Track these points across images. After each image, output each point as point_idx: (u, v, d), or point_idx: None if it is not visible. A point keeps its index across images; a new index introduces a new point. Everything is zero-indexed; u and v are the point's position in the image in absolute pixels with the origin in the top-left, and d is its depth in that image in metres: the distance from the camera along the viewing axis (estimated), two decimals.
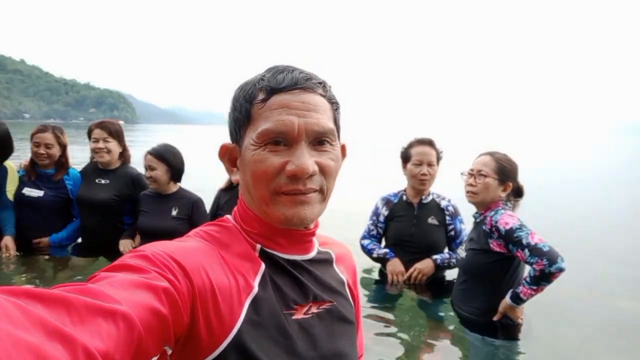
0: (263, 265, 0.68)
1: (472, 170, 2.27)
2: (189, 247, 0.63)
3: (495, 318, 2.15)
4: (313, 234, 0.75)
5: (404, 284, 2.73)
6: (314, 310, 0.70)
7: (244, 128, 0.68)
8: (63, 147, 3.01)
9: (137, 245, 2.83)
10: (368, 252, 2.87)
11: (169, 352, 0.56)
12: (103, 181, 2.95)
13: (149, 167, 2.68)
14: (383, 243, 2.96)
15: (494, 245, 2.15)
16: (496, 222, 2.12)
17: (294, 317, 0.67)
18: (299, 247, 0.73)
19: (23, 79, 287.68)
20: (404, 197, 2.86)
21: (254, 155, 0.65)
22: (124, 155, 3.06)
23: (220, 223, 0.73)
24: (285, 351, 0.64)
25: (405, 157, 2.80)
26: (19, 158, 3.51)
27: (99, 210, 2.92)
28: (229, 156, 0.73)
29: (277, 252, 0.70)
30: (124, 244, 2.85)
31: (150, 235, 2.64)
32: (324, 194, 0.68)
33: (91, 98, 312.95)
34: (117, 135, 2.95)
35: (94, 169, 3.02)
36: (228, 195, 2.76)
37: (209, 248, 0.65)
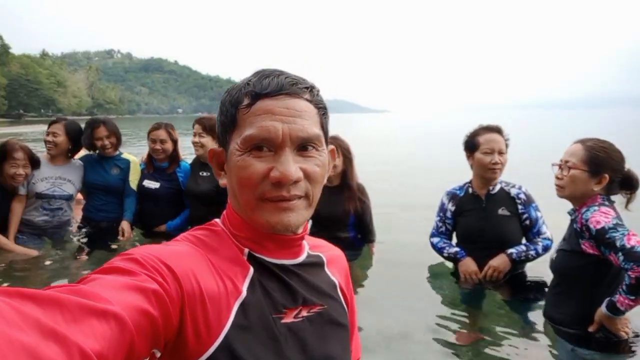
0: (252, 269, 0.68)
1: (560, 161, 1.99)
2: (178, 251, 0.63)
3: (590, 329, 1.84)
4: (302, 238, 0.74)
5: (480, 284, 2.56)
6: (304, 313, 0.70)
7: (230, 133, 0.68)
8: (174, 142, 3.31)
9: None
10: (438, 250, 2.76)
11: (158, 354, 0.56)
12: (205, 174, 3.17)
13: None
14: (454, 240, 2.81)
15: (586, 247, 1.85)
16: (586, 221, 1.82)
17: (283, 321, 0.67)
18: (287, 251, 0.73)
19: (176, 77, 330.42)
20: (470, 190, 2.68)
21: (239, 160, 0.65)
22: None
23: (209, 227, 0.73)
24: (275, 355, 0.63)
25: (472, 146, 2.60)
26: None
27: (203, 201, 3.14)
28: (217, 160, 0.74)
29: (266, 257, 0.70)
30: None
31: None
32: (309, 199, 0.68)
33: None
34: (211, 130, 3.08)
35: (198, 163, 3.27)
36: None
37: (198, 252, 0.65)
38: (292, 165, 0.63)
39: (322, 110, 0.69)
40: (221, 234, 0.71)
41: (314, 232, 2.79)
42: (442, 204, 2.80)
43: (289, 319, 0.68)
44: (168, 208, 3.33)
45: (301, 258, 0.75)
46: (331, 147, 0.75)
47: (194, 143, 3.12)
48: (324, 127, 0.70)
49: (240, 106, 0.66)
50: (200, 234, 0.71)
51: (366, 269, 3.07)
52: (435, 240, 2.79)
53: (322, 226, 2.92)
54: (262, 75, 0.67)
